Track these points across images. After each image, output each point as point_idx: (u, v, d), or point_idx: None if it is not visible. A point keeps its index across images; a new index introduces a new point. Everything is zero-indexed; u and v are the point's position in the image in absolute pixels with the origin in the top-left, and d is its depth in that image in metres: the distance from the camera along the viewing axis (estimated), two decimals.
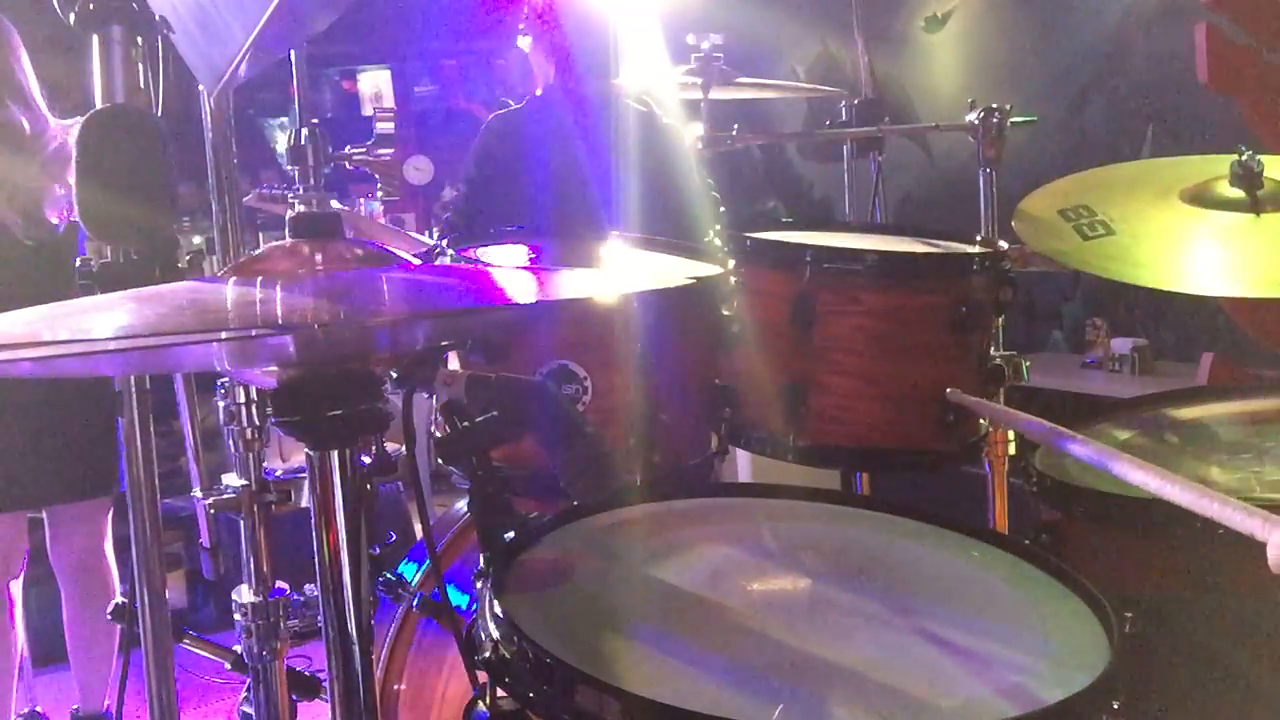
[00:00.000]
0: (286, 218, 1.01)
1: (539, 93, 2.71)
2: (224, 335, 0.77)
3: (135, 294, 0.94)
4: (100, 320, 0.88)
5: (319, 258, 0.96)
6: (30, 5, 2.59)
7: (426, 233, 4.44)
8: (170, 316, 0.84)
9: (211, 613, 3.81)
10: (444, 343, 1.37)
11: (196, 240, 4.90)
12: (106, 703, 2.91)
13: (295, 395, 0.93)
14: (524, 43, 2.75)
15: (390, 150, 1.45)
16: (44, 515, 2.83)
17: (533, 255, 1.71)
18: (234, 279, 0.94)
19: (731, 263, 1.65)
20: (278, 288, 0.88)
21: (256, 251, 0.99)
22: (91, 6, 1.27)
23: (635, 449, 1.57)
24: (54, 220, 2.67)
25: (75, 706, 2.93)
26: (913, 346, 1.59)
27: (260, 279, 0.93)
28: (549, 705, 0.93)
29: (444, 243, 1.74)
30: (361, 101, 6.60)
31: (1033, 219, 1.73)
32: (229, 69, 1.00)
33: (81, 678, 2.90)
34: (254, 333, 0.79)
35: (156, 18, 1.22)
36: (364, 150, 1.44)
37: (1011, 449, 1.98)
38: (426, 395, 1.25)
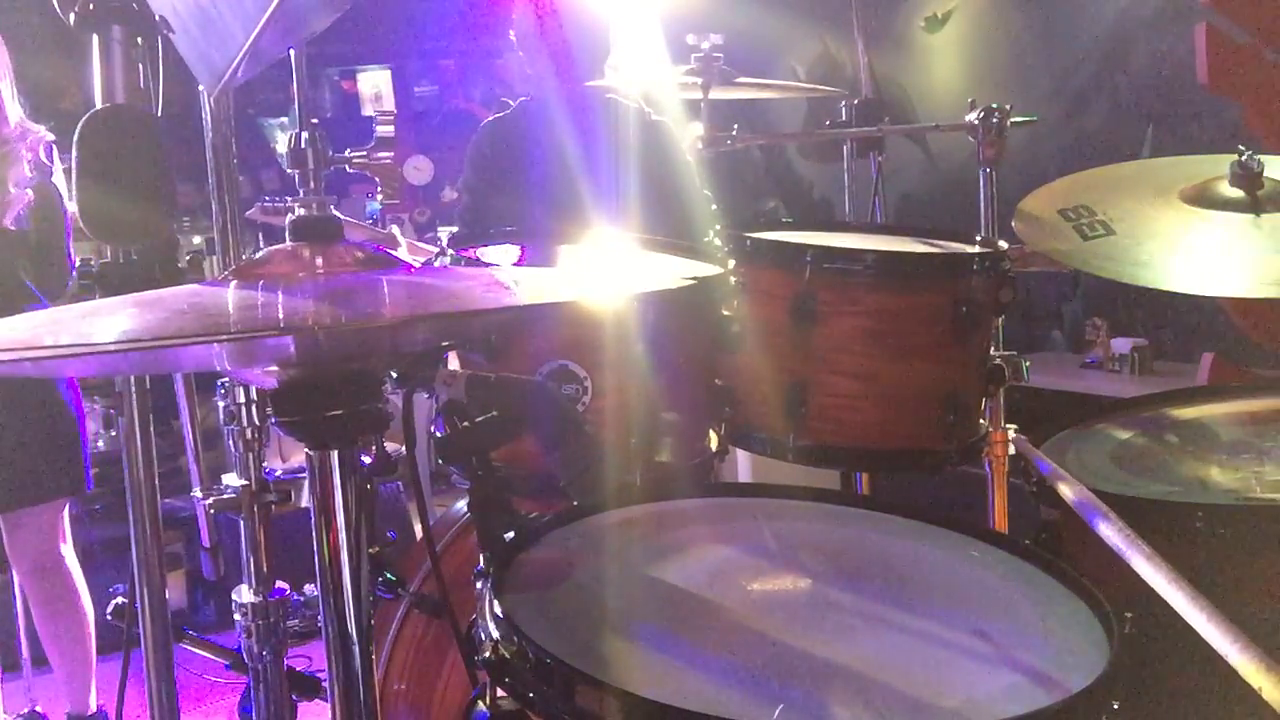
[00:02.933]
0: (286, 221, 1.01)
1: (532, 94, 2.71)
2: (224, 337, 0.77)
3: (137, 298, 0.94)
4: (103, 325, 0.88)
5: (319, 261, 0.96)
6: (30, 5, 2.59)
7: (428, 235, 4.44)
8: (171, 321, 0.84)
9: (211, 613, 3.80)
10: (444, 343, 1.37)
11: (196, 240, 4.90)
12: (95, 702, 2.91)
13: (295, 395, 0.93)
14: (518, 56, 2.75)
15: (390, 154, 1.45)
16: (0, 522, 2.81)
17: (519, 257, 1.71)
18: (235, 282, 0.94)
19: (731, 263, 1.65)
20: (279, 292, 0.88)
21: (257, 255, 0.99)
22: (91, 6, 1.27)
23: (635, 449, 1.57)
24: None
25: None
26: (913, 346, 1.59)
27: (261, 282, 0.93)
28: (549, 705, 0.93)
29: (443, 243, 1.74)
30: (361, 101, 6.60)
31: (1033, 219, 1.73)
32: (229, 69, 0.99)
33: (63, 679, 2.88)
34: (255, 334, 0.79)
35: (156, 18, 1.22)
36: (364, 154, 1.44)
37: (1011, 449, 1.98)
38: (426, 395, 1.25)
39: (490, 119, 2.76)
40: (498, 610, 1.01)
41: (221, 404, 1.43)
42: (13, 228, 2.63)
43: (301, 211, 1.01)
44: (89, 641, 2.88)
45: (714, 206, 2.52)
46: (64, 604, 2.84)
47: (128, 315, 0.87)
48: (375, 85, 6.60)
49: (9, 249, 2.66)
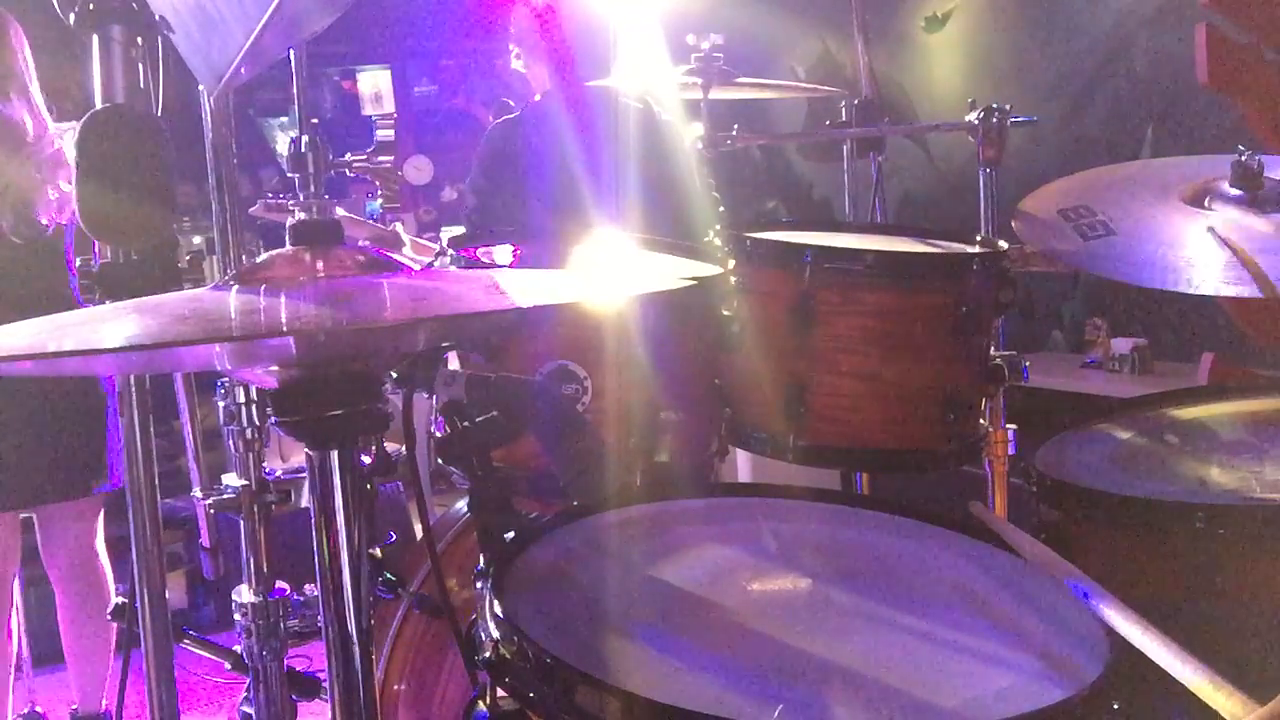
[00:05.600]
0: (287, 225, 1.01)
1: (538, 97, 2.71)
2: (233, 335, 0.77)
3: (138, 304, 0.94)
4: (106, 330, 0.88)
5: (320, 265, 0.96)
6: (30, 5, 2.59)
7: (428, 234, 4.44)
8: (172, 326, 0.84)
9: (211, 613, 3.80)
10: (444, 344, 1.37)
11: (196, 240, 4.90)
12: (105, 703, 2.91)
13: (295, 395, 0.93)
14: (517, 64, 2.74)
15: (390, 158, 1.46)
16: (34, 517, 2.82)
17: (514, 257, 1.71)
18: (236, 287, 0.94)
19: (731, 263, 1.65)
20: (281, 295, 0.88)
21: (259, 260, 0.99)
22: (91, 6, 1.27)
23: (635, 449, 1.57)
24: (44, 221, 2.67)
25: (74, 706, 2.93)
26: (913, 346, 1.59)
27: (264, 287, 0.93)
28: (549, 705, 0.93)
29: (444, 243, 1.74)
30: (361, 101, 6.60)
31: (1033, 219, 1.73)
32: (229, 69, 0.99)
33: (78, 678, 2.90)
34: (258, 336, 0.79)
35: (156, 18, 1.22)
36: (364, 158, 1.45)
37: (1011, 449, 1.98)
38: (426, 395, 1.25)
39: (500, 120, 2.75)
40: (498, 610, 1.01)
41: (221, 404, 1.43)
42: (64, 223, 2.69)
43: (301, 215, 1.01)
44: (112, 641, 2.89)
45: (721, 209, 2.52)
46: (94, 603, 2.84)
47: (131, 320, 0.87)
48: (375, 85, 6.60)
49: (58, 240, 2.71)
